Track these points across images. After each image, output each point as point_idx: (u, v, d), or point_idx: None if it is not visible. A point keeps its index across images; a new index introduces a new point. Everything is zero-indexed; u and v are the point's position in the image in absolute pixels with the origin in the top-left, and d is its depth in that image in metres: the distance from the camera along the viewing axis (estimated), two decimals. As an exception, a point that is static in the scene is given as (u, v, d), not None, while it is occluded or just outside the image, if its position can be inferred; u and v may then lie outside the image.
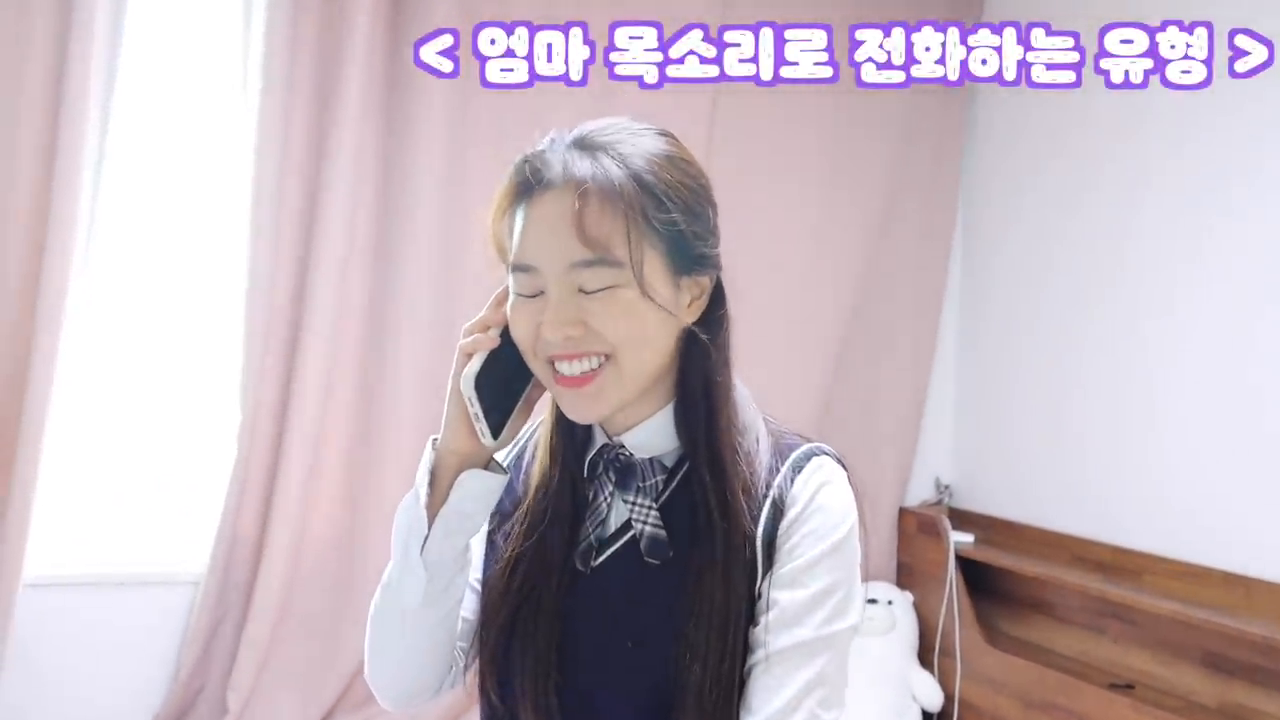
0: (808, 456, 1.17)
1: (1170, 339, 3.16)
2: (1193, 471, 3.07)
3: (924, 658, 3.69)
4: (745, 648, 1.12)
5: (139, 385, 3.31)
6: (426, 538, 1.14)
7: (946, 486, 4.01)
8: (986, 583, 3.62)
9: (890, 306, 3.95)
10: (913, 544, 3.88)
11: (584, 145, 1.11)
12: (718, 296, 1.18)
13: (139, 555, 3.31)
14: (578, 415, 1.14)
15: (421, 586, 1.16)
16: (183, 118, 3.31)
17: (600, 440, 1.20)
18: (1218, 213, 3.04)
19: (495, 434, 1.14)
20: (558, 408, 1.19)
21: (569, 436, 1.21)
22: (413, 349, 3.36)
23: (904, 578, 3.89)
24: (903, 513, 3.95)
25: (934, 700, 3.58)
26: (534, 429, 1.28)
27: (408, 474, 3.55)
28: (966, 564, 3.61)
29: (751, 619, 1.12)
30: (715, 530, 1.12)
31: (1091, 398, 3.43)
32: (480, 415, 1.12)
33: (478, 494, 1.16)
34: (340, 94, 3.23)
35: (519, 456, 1.29)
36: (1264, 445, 2.88)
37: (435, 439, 1.17)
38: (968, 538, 3.68)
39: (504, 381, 1.15)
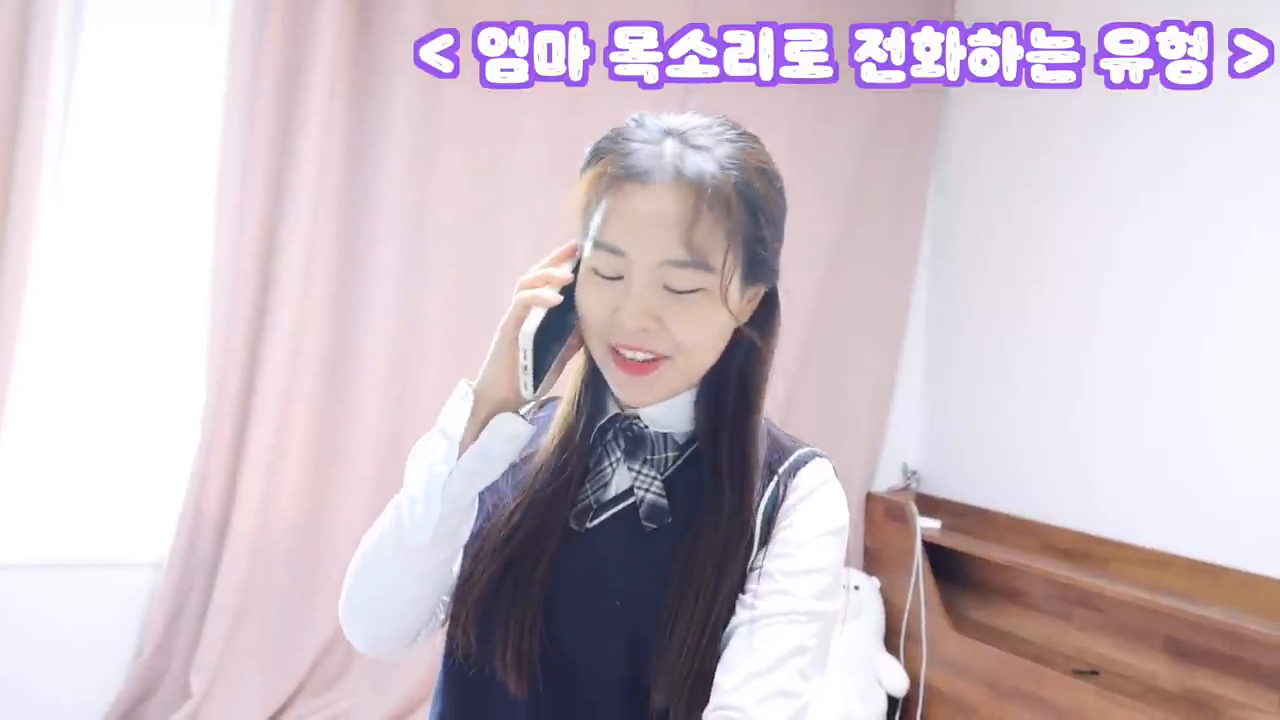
0: (811, 456, 1.21)
1: (1138, 327, 3.18)
2: (1158, 458, 3.09)
3: (890, 643, 3.70)
4: (729, 620, 1.12)
5: (102, 367, 3.27)
6: (450, 473, 1.13)
7: (914, 472, 4.02)
8: (953, 568, 3.64)
9: (858, 293, 3.95)
10: (880, 529, 3.89)
11: (689, 143, 1.09)
12: (771, 299, 1.20)
13: (101, 537, 3.27)
14: (630, 399, 1.16)
15: (434, 522, 1.14)
16: (148, 107, 3.26)
17: (612, 409, 1.22)
18: (1198, 213, 3.06)
19: (535, 388, 1.15)
20: (588, 370, 1.21)
21: (594, 401, 1.22)
22: (377, 332, 3.34)
23: (871, 563, 3.90)
24: (870, 498, 3.96)
25: (899, 685, 3.59)
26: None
27: (372, 455, 3.53)
28: (933, 549, 3.63)
29: (740, 591, 1.13)
30: (723, 506, 1.14)
31: (1059, 385, 3.44)
32: (529, 368, 1.13)
33: (508, 438, 1.15)
34: (307, 82, 3.20)
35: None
36: (1229, 433, 2.90)
37: (467, 381, 1.17)
38: (935, 523, 3.70)
39: (548, 339, 1.15)
